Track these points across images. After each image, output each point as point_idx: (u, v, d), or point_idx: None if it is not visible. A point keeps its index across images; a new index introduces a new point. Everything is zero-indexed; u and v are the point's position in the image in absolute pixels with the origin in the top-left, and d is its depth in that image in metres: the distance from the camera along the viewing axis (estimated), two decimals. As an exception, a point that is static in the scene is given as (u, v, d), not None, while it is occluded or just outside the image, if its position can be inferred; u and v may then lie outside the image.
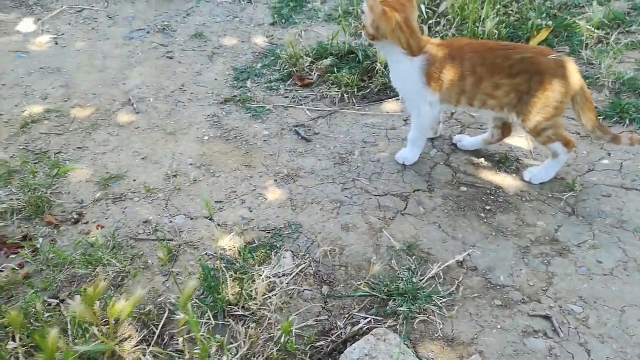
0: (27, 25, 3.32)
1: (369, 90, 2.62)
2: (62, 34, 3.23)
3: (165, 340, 1.57)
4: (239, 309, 1.63)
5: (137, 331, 1.57)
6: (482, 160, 2.20)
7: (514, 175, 2.13)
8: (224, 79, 2.82)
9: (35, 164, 2.24)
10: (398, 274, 1.75)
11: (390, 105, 2.55)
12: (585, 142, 2.25)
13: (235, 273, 1.72)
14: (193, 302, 1.63)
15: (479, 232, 1.90)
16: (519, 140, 2.28)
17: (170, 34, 3.21)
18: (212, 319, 1.58)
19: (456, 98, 2.00)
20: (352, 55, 2.80)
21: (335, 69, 2.73)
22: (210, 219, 1.96)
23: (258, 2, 3.49)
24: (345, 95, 2.60)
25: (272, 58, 2.92)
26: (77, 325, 1.47)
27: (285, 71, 2.81)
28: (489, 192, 2.06)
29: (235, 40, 3.14)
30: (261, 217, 1.99)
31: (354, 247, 1.86)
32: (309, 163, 2.24)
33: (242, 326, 1.57)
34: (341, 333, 1.60)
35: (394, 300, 1.66)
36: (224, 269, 1.71)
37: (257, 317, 1.61)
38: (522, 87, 1.90)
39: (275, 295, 1.67)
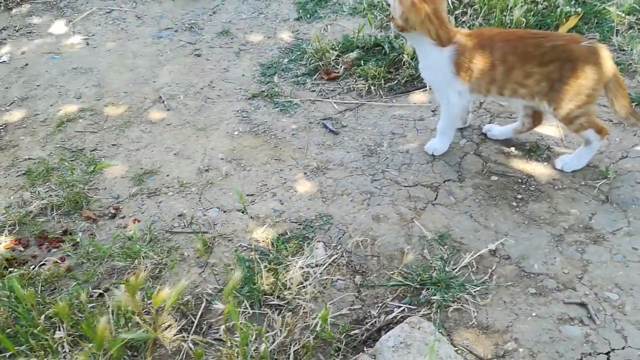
0: (58, 27, 3.41)
1: (395, 82, 2.62)
2: (93, 35, 3.30)
3: (204, 329, 1.61)
4: (274, 298, 1.66)
5: (176, 320, 1.62)
6: (512, 149, 2.18)
7: (545, 163, 2.11)
8: (251, 74, 2.85)
9: (71, 161, 2.31)
10: (430, 263, 1.76)
11: (417, 96, 2.55)
12: (617, 128, 2.22)
13: (269, 264, 1.75)
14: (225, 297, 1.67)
15: (511, 221, 1.89)
16: (550, 129, 2.26)
17: (197, 31, 3.26)
18: (248, 307, 1.62)
19: (486, 87, 1.99)
20: (378, 48, 2.81)
21: (362, 62, 2.74)
22: (243, 212, 2.00)
23: (282, -3, 3.52)
24: (372, 88, 2.61)
25: (298, 53, 2.94)
26: (120, 314, 1.51)
27: (312, 65, 2.82)
28: (520, 180, 2.05)
29: (261, 36, 3.17)
30: (292, 209, 2.02)
31: (385, 237, 1.88)
32: (338, 155, 2.26)
33: (278, 315, 1.60)
34: (375, 321, 1.61)
35: (427, 289, 1.68)
36: (258, 260, 1.74)
37: (292, 306, 1.64)
38: (553, 75, 1.89)
39: (309, 284, 1.70)
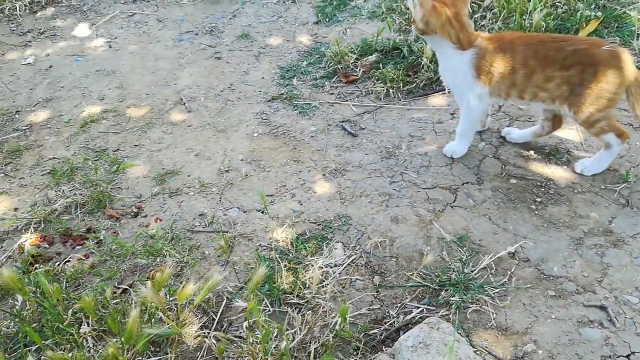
0: (82, 30, 3.48)
1: (414, 85, 2.64)
2: (115, 38, 3.36)
3: (224, 327, 1.63)
4: (293, 297, 1.68)
5: (197, 317, 1.65)
6: (532, 152, 2.18)
7: (565, 167, 2.11)
8: (270, 77, 2.88)
9: (95, 161, 2.35)
10: (449, 264, 1.77)
11: (436, 100, 2.56)
12: (638, 133, 2.21)
13: (289, 263, 1.77)
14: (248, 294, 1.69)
15: (530, 224, 1.89)
16: (569, 132, 2.25)
17: (217, 35, 3.30)
18: (269, 305, 1.64)
19: (506, 91, 1.99)
20: (396, 51, 2.82)
21: (380, 65, 2.76)
22: (263, 212, 2.02)
23: (302, 1, 3.55)
24: (391, 91, 2.62)
25: (317, 56, 2.97)
26: (144, 310, 1.54)
27: (330, 68, 2.85)
28: (539, 184, 2.05)
29: (280, 39, 3.20)
30: (311, 210, 2.04)
31: (404, 238, 1.89)
32: (356, 157, 2.28)
33: (298, 313, 1.62)
34: (394, 321, 1.63)
35: (446, 290, 1.68)
36: (278, 259, 1.76)
37: (312, 305, 1.66)
38: (574, 79, 1.89)
39: (329, 284, 1.72)
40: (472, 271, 1.73)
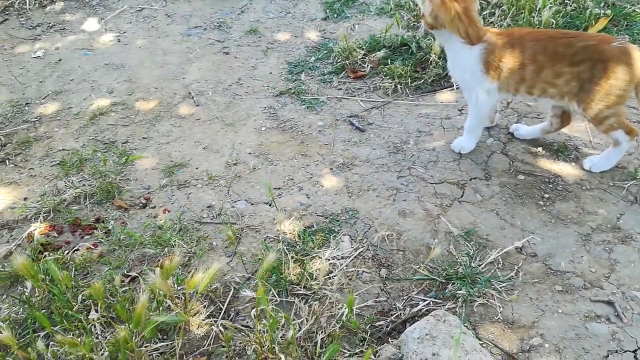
0: (91, 24, 3.50)
1: (422, 81, 2.64)
2: (124, 32, 3.38)
3: (231, 316, 1.64)
4: (300, 288, 1.69)
5: (204, 307, 1.66)
6: (540, 149, 2.18)
7: (573, 164, 2.10)
8: (278, 72, 2.89)
9: (104, 152, 2.37)
10: (456, 258, 1.77)
11: (444, 96, 2.56)
12: (647, 130, 2.20)
13: (296, 255, 1.78)
14: (257, 280, 1.70)
15: (537, 220, 1.89)
16: (578, 129, 2.25)
17: (225, 30, 3.32)
18: (276, 296, 1.65)
19: (515, 86, 1.99)
20: (404, 47, 2.83)
21: (389, 61, 2.76)
22: (270, 205, 2.03)
23: (309, -2, 3.56)
24: (399, 86, 2.63)
25: (325, 51, 2.97)
26: (152, 298, 1.55)
27: (338, 64, 2.85)
28: (547, 180, 2.04)
29: (289, 35, 3.21)
30: (318, 203, 2.05)
31: (411, 232, 1.89)
32: (364, 152, 2.28)
33: (305, 304, 1.63)
34: (400, 314, 1.63)
35: (453, 283, 1.68)
36: (285, 251, 1.77)
37: (319, 296, 1.66)
38: (583, 75, 1.88)
39: (335, 276, 1.72)
40: (479, 265, 1.74)
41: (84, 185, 2.17)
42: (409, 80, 2.63)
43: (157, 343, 1.48)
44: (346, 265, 1.78)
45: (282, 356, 1.36)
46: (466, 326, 1.54)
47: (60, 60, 3.13)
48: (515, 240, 1.82)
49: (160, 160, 2.32)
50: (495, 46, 1.95)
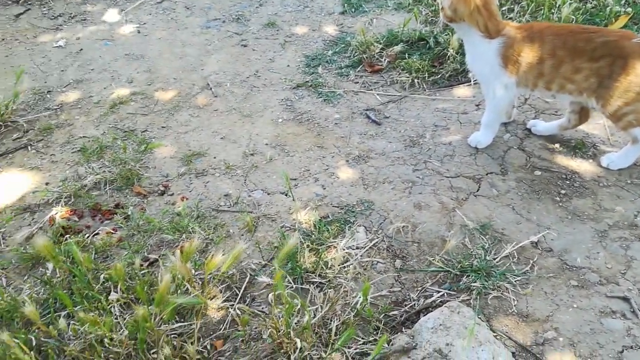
0: (111, 15, 3.54)
1: (439, 76, 2.64)
2: (144, 24, 3.42)
3: (247, 302, 1.66)
4: (315, 276, 1.71)
5: (221, 292, 1.68)
6: (557, 145, 2.17)
7: (591, 160, 2.10)
8: (295, 65, 2.91)
9: (123, 140, 2.40)
10: (471, 251, 1.78)
11: (461, 91, 2.56)
12: (667, 129, 2.18)
13: (312, 244, 1.80)
14: (273, 267, 1.72)
15: (553, 215, 1.89)
16: (596, 127, 2.24)
17: (244, 23, 3.34)
18: (291, 282, 1.67)
19: (533, 81, 1.99)
20: (422, 42, 2.83)
21: (406, 55, 2.77)
22: (286, 195, 2.05)
23: (328, -8, 3.57)
24: (416, 81, 2.63)
25: (342, 45, 2.99)
26: (171, 281, 1.58)
27: (355, 58, 2.86)
28: (564, 176, 2.04)
29: (306, 28, 3.23)
30: (334, 194, 2.06)
31: (426, 224, 1.90)
32: (380, 145, 2.29)
33: (320, 292, 1.64)
34: (414, 304, 1.64)
35: (467, 276, 1.69)
36: (301, 239, 1.79)
37: (334, 285, 1.68)
38: (603, 71, 1.87)
39: (351, 265, 1.74)
40: (494, 259, 1.74)
41: (104, 171, 2.21)
42: (426, 75, 2.64)
43: (175, 324, 1.51)
44: (361, 256, 1.79)
45: (298, 340, 1.38)
46: (480, 318, 1.55)
47: (81, 50, 3.17)
48: (530, 235, 1.82)
49: (178, 149, 2.35)
50: (514, 40, 1.94)
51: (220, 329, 1.57)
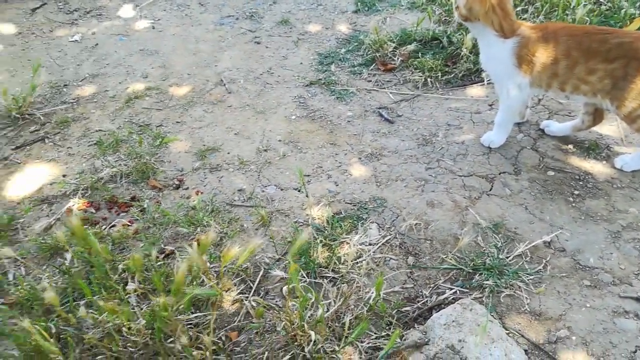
0: (126, 11, 3.57)
1: (452, 75, 2.65)
2: (158, 20, 3.45)
3: (261, 295, 1.68)
4: (328, 271, 1.72)
5: (235, 285, 1.70)
6: (570, 146, 2.18)
7: (604, 162, 2.10)
8: (308, 63, 2.93)
9: (139, 134, 2.43)
10: (484, 250, 1.79)
11: (474, 90, 2.57)
12: (681, 131, 2.18)
13: (325, 239, 1.81)
14: (286, 261, 1.74)
15: (567, 215, 1.90)
16: (609, 128, 2.24)
17: (257, 20, 3.36)
18: (305, 276, 1.69)
19: (547, 82, 1.99)
20: (435, 41, 2.84)
21: (419, 54, 2.78)
22: (300, 190, 2.07)
23: (341, -9, 3.59)
24: (429, 80, 2.64)
25: (356, 44, 3.00)
26: (187, 273, 1.60)
27: (369, 56, 2.88)
28: (577, 177, 2.04)
29: (319, 26, 3.24)
30: (347, 191, 2.08)
31: (439, 222, 1.91)
32: (392, 143, 2.30)
33: (333, 286, 1.66)
34: (427, 301, 1.65)
35: (480, 274, 1.70)
36: (314, 235, 1.81)
37: (347, 280, 1.70)
38: (617, 73, 1.88)
39: (364, 261, 1.75)
40: (507, 257, 1.75)
41: (120, 165, 2.23)
42: (440, 74, 2.65)
43: (191, 315, 1.53)
44: (373, 252, 1.81)
45: (312, 333, 1.40)
46: (492, 315, 1.56)
47: (96, 44, 3.21)
48: (543, 235, 1.83)
49: (193, 144, 2.37)
50: (529, 40, 1.95)
51: (235, 321, 1.59)
